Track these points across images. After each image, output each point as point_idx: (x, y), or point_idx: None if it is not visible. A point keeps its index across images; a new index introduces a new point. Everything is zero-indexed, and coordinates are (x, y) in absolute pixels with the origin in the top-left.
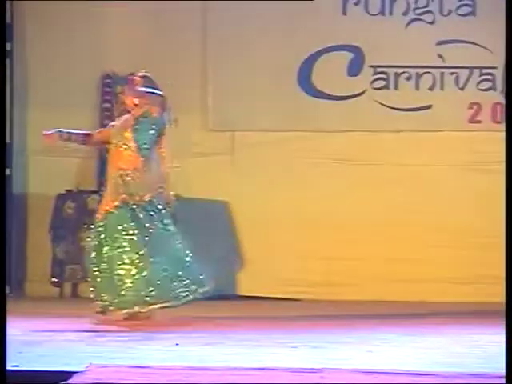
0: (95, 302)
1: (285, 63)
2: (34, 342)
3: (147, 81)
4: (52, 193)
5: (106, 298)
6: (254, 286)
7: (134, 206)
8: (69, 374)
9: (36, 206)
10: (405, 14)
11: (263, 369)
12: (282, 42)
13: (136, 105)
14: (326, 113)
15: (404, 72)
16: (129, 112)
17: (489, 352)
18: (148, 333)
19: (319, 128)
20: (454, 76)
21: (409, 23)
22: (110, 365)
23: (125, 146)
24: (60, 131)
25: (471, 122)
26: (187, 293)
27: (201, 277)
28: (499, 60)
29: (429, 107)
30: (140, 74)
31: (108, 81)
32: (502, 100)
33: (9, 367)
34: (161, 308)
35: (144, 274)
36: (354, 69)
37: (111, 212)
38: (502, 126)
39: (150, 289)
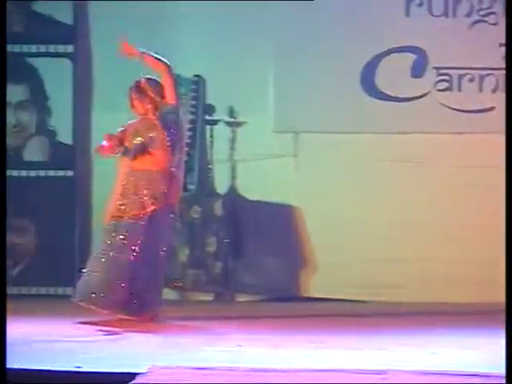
0: None
1: (348, 65)
2: (96, 343)
3: (153, 84)
4: None
5: None
6: (320, 288)
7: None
8: (131, 376)
9: (100, 208)
10: (468, 15)
11: (327, 370)
12: (346, 44)
13: (148, 109)
14: (389, 114)
15: (467, 74)
16: (144, 116)
17: None
18: (210, 334)
19: (382, 130)
20: None
21: (472, 24)
22: (172, 366)
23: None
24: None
25: None
26: None
27: None
28: None
29: (491, 109)
30: (145, 78)
31: None
32: None
33: (72, 368)
34: None
35: None
36: (418, 70)
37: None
38: None
39: None
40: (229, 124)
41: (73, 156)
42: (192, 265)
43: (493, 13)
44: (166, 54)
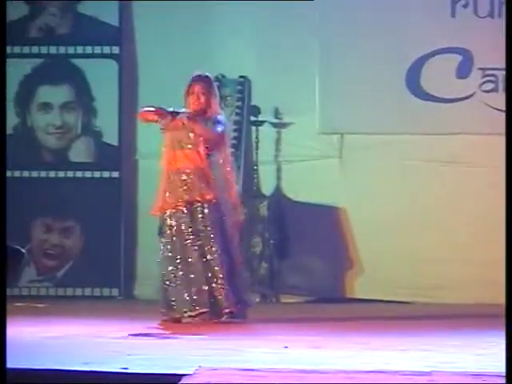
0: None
1: (393, 66)
2: (142, 344)
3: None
4: None
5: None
6: (364, 289)
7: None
8: (178, 377)
9: (146, 209)
10: None
11: (372, 371)
12: (391, 45)
13: (209, 106)
14: (434, 115)
15: None
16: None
17: None
18: (256, 335)
19: (427, 131)
20: None
21: None
22: (219, 368)
23: (189, 146)
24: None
25: None
26: None
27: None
28: None
29: None
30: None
31: (217, 84)
32: None
33: (118, 370)
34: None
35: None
36: (463, 71)
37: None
38: None
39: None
40: (274, 125)
41: (118, 157)
42: None
43: None
44: (211, 54)
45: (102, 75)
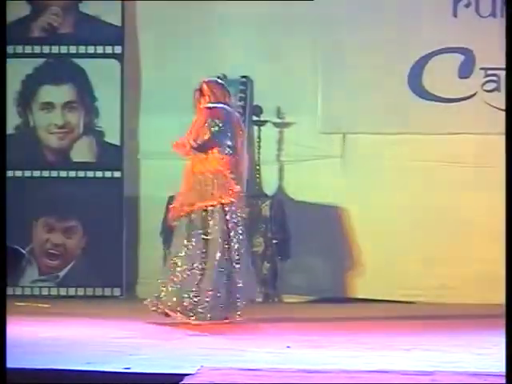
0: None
1: (395, 65)
2: (144, 344)
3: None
4: (163, 195)
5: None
6: (367, 289)
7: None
8: (180, 377)
9: (148, 209)
10: None
11: (375, 371)
12: (393, 45)
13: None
14: (436, 115)
15: None
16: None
17: None
18: (258, 335)
19: (429, 130)
20: None
21: None
22: (221, 367)
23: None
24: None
25: None
26: None
27: None
28: None
29: None
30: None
31: None
32: None
33: (120, 369)
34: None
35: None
36: (465, 71)
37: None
38: None
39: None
40: (276, 125)
41: (120, 157)
42: None
43: None
44: (213, 54)
45: (104, 75)
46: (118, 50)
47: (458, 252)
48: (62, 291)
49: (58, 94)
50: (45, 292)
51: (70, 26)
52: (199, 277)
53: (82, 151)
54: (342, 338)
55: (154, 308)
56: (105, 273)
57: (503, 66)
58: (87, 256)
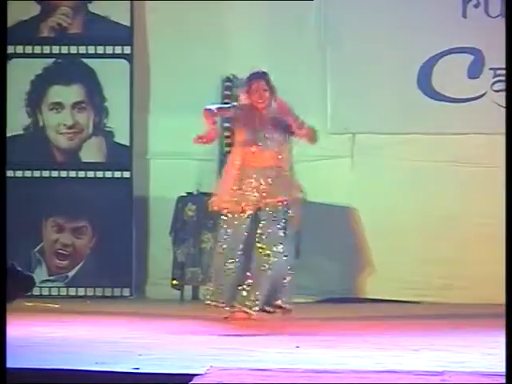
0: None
1: (405, 66)
2: (154, 344)
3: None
4: (173, 195)
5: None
6: (376, 289)
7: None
8: (189, 377)
9: (157, 209)
10: None
11: (384, 371)
12: (402, 45)
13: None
14: (445, 115)
15: None
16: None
17: None
18: (267, 335)
19: (439, 131)
20: None
21: None
22: (231, 368)
23: (260, 144)
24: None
25: None
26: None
27: None
28: None
29: None
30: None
31: (228, 84)
32: None
33: (129, 370)
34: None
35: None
36: (474, 71)
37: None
38: None
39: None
40: None
41: (130, 157)
42: None
43: None
44: (222, 54)
45: (113, 75)
46: (127, 50)
47: (467, 252)
48: (72, 291)
49: (67, 94)
50: (54, 292)
51: (79, 26)
52: (254, 271)
53: (92, 151)
54: (350, 338)
55: (212, 304)
56: (114, 273)
57: None
58: (96, 256)
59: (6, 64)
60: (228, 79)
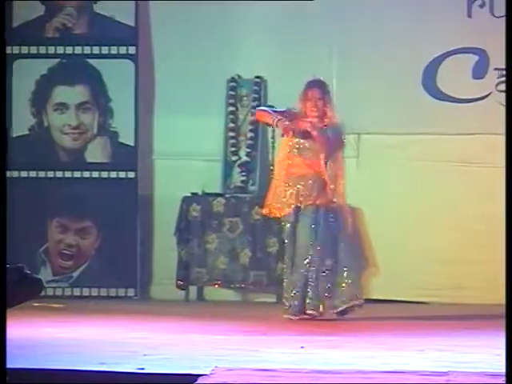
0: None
1: (410, 66)
2: (158, 344)
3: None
4: (178, 196)
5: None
6: (381, 289)
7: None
8: (194, 377)
9: (162, 209)
10: None
11: (390, 372)
12: (407, 45)
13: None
14: (450, 116)
15: None
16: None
17: None
18: (272, 335)
19: (443, 131)
20: None
21: None
22: (236, 368)
23: (309, 153)
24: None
25: None
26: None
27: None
28: None
29: None
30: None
31: (233, 84)
32: None
33: (134, 370)
34: None
35: None
36: (479, 71)
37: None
38: None
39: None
40: None
41: (135, 157)
42: (253, 266)
43: None
44: (227, 54)
45: (118, 75)
46: (132, 50)
47: (473, 252)
48: (76, 292)
49: (72, 94)
50: (59, 292)
51: (84, 27)
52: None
53: (96, 152)
54: (356, 339)
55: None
56: (119, 273)
57: None
58: (101, 256)
59: (5, 64)
60: (233, 79)
